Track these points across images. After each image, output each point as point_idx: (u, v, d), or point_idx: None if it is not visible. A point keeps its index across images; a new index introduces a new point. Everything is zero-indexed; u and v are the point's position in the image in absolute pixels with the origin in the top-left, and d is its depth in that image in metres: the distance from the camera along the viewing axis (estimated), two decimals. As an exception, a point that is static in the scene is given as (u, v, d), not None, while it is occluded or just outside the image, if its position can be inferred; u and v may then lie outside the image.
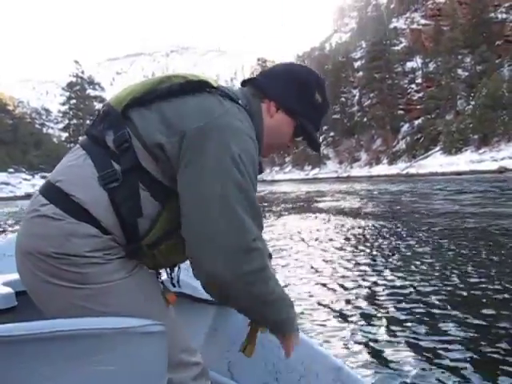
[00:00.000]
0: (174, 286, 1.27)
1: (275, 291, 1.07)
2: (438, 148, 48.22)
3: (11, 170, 51.42)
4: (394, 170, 50.16)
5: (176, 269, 1.28)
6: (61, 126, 79.56)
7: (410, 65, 64.02)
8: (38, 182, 52.64)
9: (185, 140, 1.02)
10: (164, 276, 1.26)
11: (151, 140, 1.04)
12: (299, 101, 1.24)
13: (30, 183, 51.42)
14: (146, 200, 1.04)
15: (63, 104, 74.44)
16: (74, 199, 1.00)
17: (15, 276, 1.48)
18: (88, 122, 70.18)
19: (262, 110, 1.23)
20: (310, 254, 6.02)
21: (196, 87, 1.12)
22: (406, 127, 58.60)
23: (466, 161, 41.55)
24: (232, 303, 1.06)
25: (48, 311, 1.04)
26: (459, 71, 52.89)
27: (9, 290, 1.35)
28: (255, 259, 1.00)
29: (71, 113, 73.07)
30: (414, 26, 67.56)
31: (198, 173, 1.01)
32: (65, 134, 76.41)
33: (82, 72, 74.57)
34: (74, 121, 73.11)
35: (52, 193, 1.03)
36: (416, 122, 56.66)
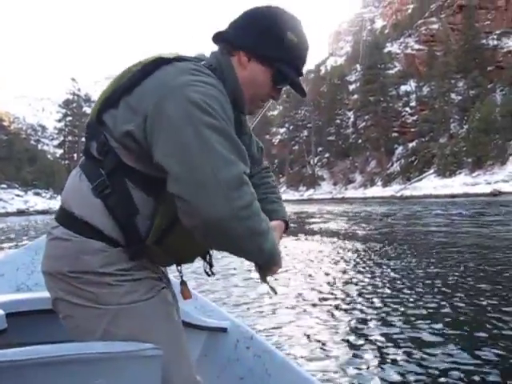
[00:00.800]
0: (209, 275, 1.26)
1: (265, 220, 1.03)
2: (432, 171, 48.55)
3: (4, 185, 51.02)
4: (388, 191, 50.32)
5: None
6: (56, 142, 79.62)
7: (404, 88, 64.94)
8: (31, 198, 52.27)
9: (148, 118, 1.00)
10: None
11: (119, 132, 1.04)
12: (269, 45, 1.13)
13: (22, 199, 51.01)
14: (138, 198, 1.05)
15: (59, 121, 74.71)
16: (76, 216, 1.05)
17: (5, 297, 1.46)
18: (83, 139, 70.21)
19: (232, 64, 1.15)
20: (301, 275, 5.89)
21: (154, 67, 1.07)
22: (400, 149, 59.09)
23: (460, 183, 41.83)
24: (230, 245, 1.00)
25: (69, 330, 1.08)
26: (452, 95, 53.71)
27: None
28: (247, 193, 0.96)
29: (67, 130, 73.30)
30: (408, 50, 68.79)
31: (169, 134, 0.97)
32: (60, 151, 76.49)
33: (79, 90, 75.05)
34: (70, 138, 73.30)
35: (60, 215, 1.10)
36: (410, 145, 57.19)
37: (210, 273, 1.24)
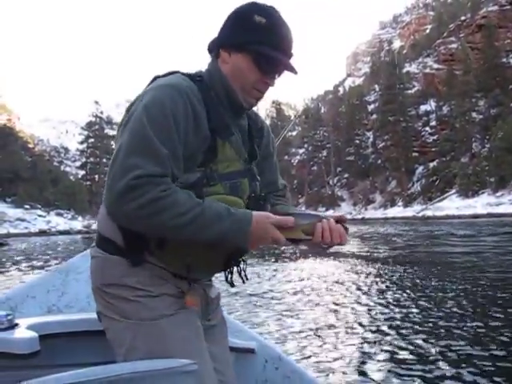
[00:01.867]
0: (232, 285, 1.29)
1: (188, 212, 1.01)
2: (453, 191, 47.72)
3: (27, 206, 51.93)
4: (409, 212, 49.56)
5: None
6: (78, 164, 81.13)
7: (423, 108, 64.60)
8: (53, 218, 53.03)
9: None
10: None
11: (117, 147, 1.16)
12: (239, 32, 1.18)
13: (44, 220, 51.74)
14: None
15: (81, 143, 76.11)
16: (100, 233, 1.19)
17: (38, 319, 1.46)
18: (105, 160, 71.46)
19: (218, 65, 1.22)
20: (324, 298, 5.73)
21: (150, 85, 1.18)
22: (420, 169, 58.42)
23: (483, 204, 40.94)
24: (149, 234, 1.08)
25: (109, 341, 1.15)
26: (473, 114, 53.10)
27: (32, 333, 1.28)
28: (140, 196, 0.98)
29: (89, 151, 74.60)
30: (427, 70, 68.60)
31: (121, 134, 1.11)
32: (81, 172, 77.77)
33: (101, 112, 76.60)
34: (91, 159, 74.53)
35: (96, 235, 1.23)
36: (431, 165, 56.50)
37: (232, 284, 1.28)
